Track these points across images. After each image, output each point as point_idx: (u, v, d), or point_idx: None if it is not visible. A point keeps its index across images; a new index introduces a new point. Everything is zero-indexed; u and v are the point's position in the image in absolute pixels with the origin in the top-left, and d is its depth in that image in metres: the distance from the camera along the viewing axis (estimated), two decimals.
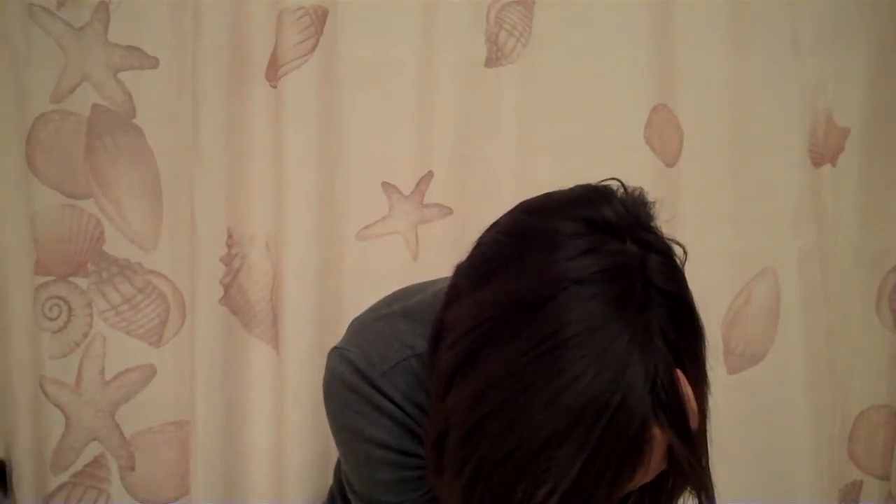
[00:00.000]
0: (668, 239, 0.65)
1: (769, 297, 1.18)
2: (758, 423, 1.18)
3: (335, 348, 0.77)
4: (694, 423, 0.62)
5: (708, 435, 0.66)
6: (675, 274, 0.63)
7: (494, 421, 0.59)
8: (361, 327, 0.78)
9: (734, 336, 1.18)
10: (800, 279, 1.18)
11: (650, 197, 0.66)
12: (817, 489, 1.18)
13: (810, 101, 1.17)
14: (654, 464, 0.61)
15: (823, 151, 1.19)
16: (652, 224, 0.65)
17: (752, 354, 1.19)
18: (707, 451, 0.66)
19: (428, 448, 0.66)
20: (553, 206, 0.66)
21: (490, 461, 0.59)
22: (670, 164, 1.15)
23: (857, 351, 1.23)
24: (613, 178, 0.67)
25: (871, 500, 1.27)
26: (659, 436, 0.59)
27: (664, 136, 1.14)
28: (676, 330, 0.60)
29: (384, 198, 1.11)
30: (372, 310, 0.80)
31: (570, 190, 0.67)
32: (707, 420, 0.65)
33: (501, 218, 0.69)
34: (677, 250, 0.66)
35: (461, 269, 0.68)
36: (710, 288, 1.15)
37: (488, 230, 0.69)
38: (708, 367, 0.66)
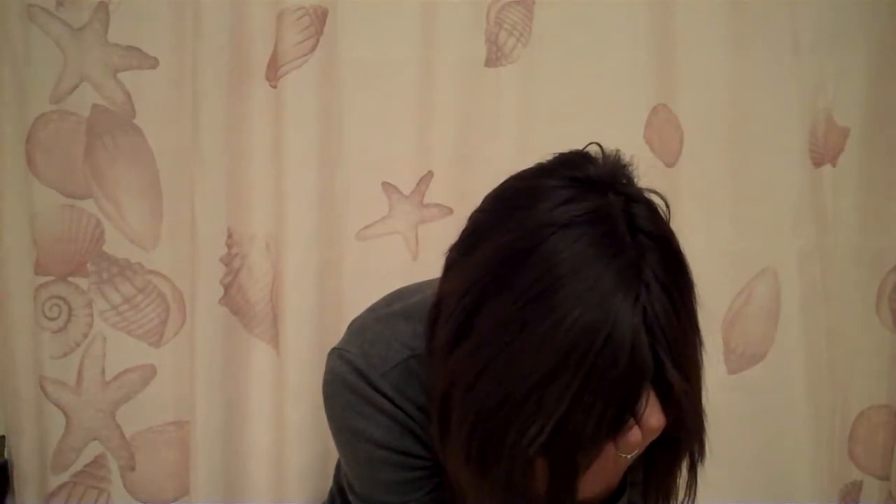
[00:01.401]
0: (649, 191, 0.66)
1: (769, 297, 1.18)
2: (758, 423, 1.18)
3: (335, 349, 0.77)
4: (693, 364, 0.62)
5: (703, 383, 0.65)
6: (658, 219, 0.64)
7: (492, 370, 0.59)
8: (361, 328, 0.78)
9: (734, 336, 1.18)
10: (800, 279, 1.17)
11: (627, 157, 0.67)
12: (817, 489, 1.18)
13: (810, 101, 1.17)
14: (649, 419, 0.60)
15: (823, 151, 1.19)
16: (631, 180, 0.66)
17: (752, 354, 1.19)
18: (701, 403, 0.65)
19: (433, 411, 0.66)
20: (536, 171, 0.68)
21: (487, 409, 0.59)
22: (670, 164, 1.15)
23: (857, 351, 1.23)
24: (593, 143, 0.68)
25: (871, 500, 1.27)
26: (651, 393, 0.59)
27: (664, 136, 1.14)
28: (665, 269, 0.60)
29: (384, 198, 1.11)
30: (372, 310, 0.80)
31: (552, 157, 0.69)
32: (701, 370, 0.65)
33: (490, 191, 0.70)
34: (659, 203, 0.66)
35: (453, 246, 0.68)
36: (710, 288, 1.14)
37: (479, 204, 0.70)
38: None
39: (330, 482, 0.97)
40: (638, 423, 0.60)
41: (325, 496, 0.98)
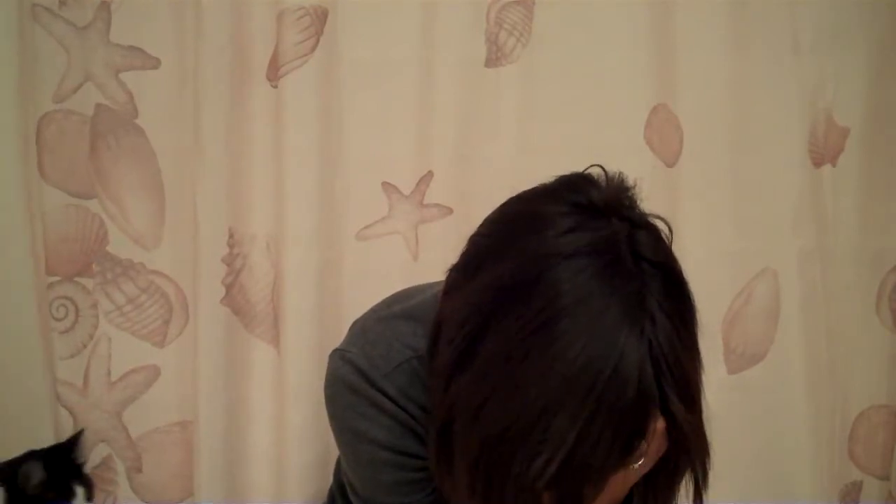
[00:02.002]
0: (653, 216, 0.66)
1: (769, 297, 1.18)
2: (758, 423, 1.18)
3: (337, 350, 0.77)
4: (696, 391, 0.62)
5: (704, 412, 0.66)
6: (662, 246, 0.64)
7: (495, 399, 0.59)
8: (363, 329, 0.78)
9: (734, 336, 1.18)
10: (800, 279, 1.18)
11: (630, 180, 0.67)
12: (817, 489, 1.18)
13: (810, 101, 1.17)
14: (654, 444, 0.61)
15: (823, 151, 1.19)
16: (635, 204, 0.65)
17: (752, 354, 1.19)
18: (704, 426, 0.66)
19: (432, 440, 0.66)
20: (538, 194, 0.67)
21: (491, 439, 0.59)
22: (670, 164, 1.15)
23: (857, 351, 1.23)
24: (595, 165, 0.67)
25: (871, 500, 1.27)
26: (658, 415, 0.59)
27: (664, 136, 1.14)
28: (668, 298, 0.60)
29: (384, 198, 1.11)
30: (373, 311, 0.80)
31: (554, 179, 0.68)
32: (702, 395, 0.65)
33: (490, 213, 0.69)
34: (662, 227, 0.66)
35: (454, 267, 0.68)
36: (710, 288, 1.14)
37: (478, 226, 0.69)
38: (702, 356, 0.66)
39: (330, 482, 0.97)
40: (645, 451, 0.60)
41: (325, 496, 0.98)
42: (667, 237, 0.65)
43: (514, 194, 0.70)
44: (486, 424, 0.59)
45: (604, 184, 0.65)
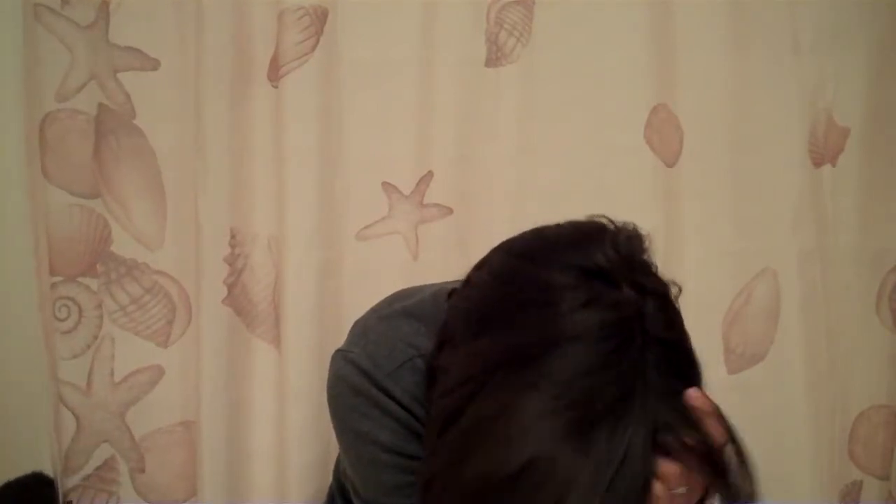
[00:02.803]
0: (664, 280, 0.64)
1: (769, 297, 1.18)
2: (758, 423, 1.18)
3: (339, 351, 0.76)
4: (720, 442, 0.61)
5: None
6: (672, 317, 0.63)
7: (478, 457, 0.58)
8: (364, 328, 0.77)
9: (734, 336, 1.18)
10: (800, 279, 1.17)
11: (642, 230, 0.65)
12: (817, 489, 1.18)
13: (810, 101, 1.17)
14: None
15: (823, 151, 1.19)
16: (646, 262, 0.64)
17: (752, 354, 1.19)
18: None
19: (418, 492, 0.65)
20: (544, 252, 0.65)
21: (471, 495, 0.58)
22: (670, 164, 1.15)
23: (857, 351, 1.23)
24: (602, 217, 0.66)
25: (871, 500, 1.26)
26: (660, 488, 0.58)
27: (664, 136, 1.14)
28: (670, 376, 0.60)
29: (384, 198, 1.11)
30: (374, 311, 0.80)
31: (559, 229, 0.67)
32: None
33: (492, 257, 0.68)
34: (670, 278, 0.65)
35: (456, 310, 0.67)
36: (710, 288, 1.15)
37: (479, 269, 0.68)
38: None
39: (330, 480, 0.97)
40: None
41: (325, 495, 0.98)
42: (675, 298, 0.64)
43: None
44: (465, 482, 0.58)
45: (612, 241, 0.63)
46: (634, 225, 0.65)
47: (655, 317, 0.61)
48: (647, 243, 0.65)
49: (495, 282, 0.66)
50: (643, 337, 0.60)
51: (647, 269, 0.64)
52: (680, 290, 0.65)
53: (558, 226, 0.68)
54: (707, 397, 0.61)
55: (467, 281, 0.69)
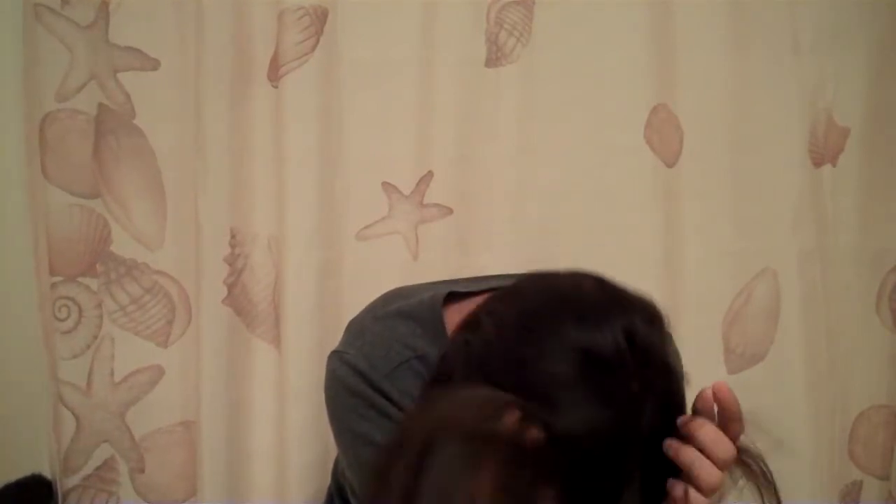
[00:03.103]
0: (673, 364, 0.62)
1: (769, 297, 1.18)
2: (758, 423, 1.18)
3: (335, 351, 0.76)
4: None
5: None
6: (670, 418, 0.62)
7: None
8: (360, 329, 0.77)
9: (734, 336, 1.18)
10: (800, 279, 1.17)
11: (662, 310, 0.62)
12: (817, 489, 1.18)
13: (810, 101, 1.17)
14: None
15: (823, 151, 1.19)
16: (660, 352, 0.61)
17: (752, 354, 1.19)
18: None
19: None
20: (553, 322, 0.60)
21: None
22: (670, 164, 1.15)
23: (857, 351, 1.23)
24: (592, 273, 0.63)
25: (871, 500, 1.26)
26: None
27: (664, 136, 1.14)
28: (664, 472, 0.60)
29: (384, 198, 1.11)
30: (369, 310, 0.79)
31: (575, 289, 0.63)
32: None
33: (502, 305, 0.65)
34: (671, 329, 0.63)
35: (457, 349, 0.64)
36: (710, 288, 1.15)
37: (489, 314, 0.64)
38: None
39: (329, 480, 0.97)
40: None
41: (324, 496, 0.98)
42: (678, 381, 0.63)
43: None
44: None
45: (624, 327, 0.59)
46: (653, 302, 0.62)
47: (652, 418, 0.59)
48: (666, 324, 0.62)
49: (499, 343, 0.62)
50: (644, 429, 0.58)
51: (658, 362, 0.60)
52: (688, 382, 0.64)
53: (575, 282, 0.63)
54: (733, 395, 0.61)
55: (473, 321, 0.65)
